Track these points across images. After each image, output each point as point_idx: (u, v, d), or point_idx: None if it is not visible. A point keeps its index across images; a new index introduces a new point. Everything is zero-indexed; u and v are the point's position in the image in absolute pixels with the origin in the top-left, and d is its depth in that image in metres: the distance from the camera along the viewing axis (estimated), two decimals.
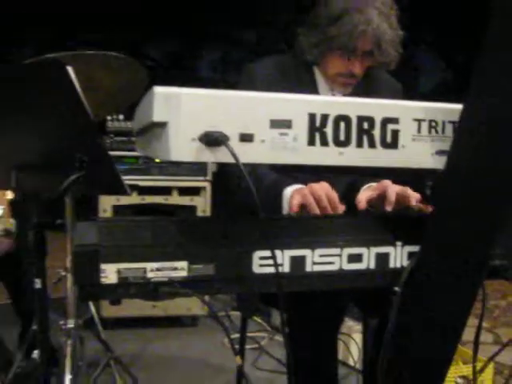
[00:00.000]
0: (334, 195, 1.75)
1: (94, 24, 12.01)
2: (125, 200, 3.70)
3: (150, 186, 3.73)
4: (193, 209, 3.76)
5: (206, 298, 3.77)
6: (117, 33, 11.91)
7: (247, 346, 2.99)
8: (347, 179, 2.07)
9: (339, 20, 2.01)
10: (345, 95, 2.19)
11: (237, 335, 3.12)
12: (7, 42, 12.71)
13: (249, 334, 3.18)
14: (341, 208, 1.75)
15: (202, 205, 3.77)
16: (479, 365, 2.29)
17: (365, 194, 1.87)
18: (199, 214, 3.74)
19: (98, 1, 11.28)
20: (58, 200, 1.88)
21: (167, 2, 11.43)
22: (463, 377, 2.75)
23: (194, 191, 3.78)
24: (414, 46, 12.07)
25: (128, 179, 3.60)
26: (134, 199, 3.71)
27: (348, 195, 1.96)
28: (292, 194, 1.80)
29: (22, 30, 12.58)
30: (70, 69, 1.53)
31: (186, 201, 3.77)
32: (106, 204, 3.70)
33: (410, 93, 2.23)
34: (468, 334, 3.11)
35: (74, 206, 2.14)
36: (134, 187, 3.71)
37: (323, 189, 1.74)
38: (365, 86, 2.19)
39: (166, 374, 3.17)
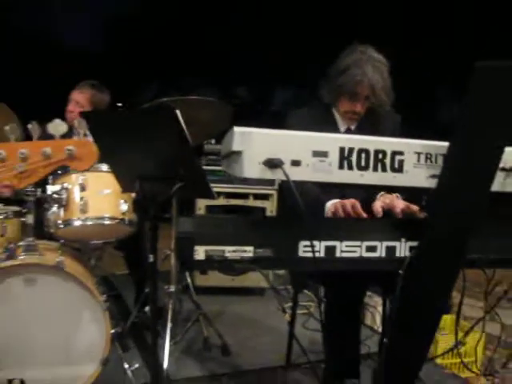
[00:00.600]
0: (358, 206, 1.92)
1: (195, 68, 12.25)
2: (215, 202, 3.92)
3: (234, 192, 3.93)
4: (263, 210, 3.93)
5: (271, 276, 3.96)
6: (212, 75, 12.18)
7: (299, 311, 3.11)
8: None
9: (344, 73, 2.19)
10: (356, 127, 2.34)
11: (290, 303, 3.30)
12: (137, 78, 13.12)
13: (301, 303, 3.34)
14: (363, 215, 1.92)
15: (270, 207, 3.94)
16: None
17: (379, 203, 2.00)
18: (268, 213, 3.91)
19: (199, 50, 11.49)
20: (166, 201, 2.10)
21: (251, 52, 11.53)
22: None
23: (265, 197, 3.95)
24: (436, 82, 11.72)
25: (218, 187, 3.84)
26: (221, 201, 3.92)
27: (368, 203, 2.09)
28: (329, 206, 1.99)
29: (149, 68, 12.96)
30: (177, 111, 1.74)
31: (258, 203, 3.94)
32: (201, 204, 3.93)
33: (429, 123, 2.32)
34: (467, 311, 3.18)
35: (178, 205, 2.35)
36: (222, 193, 3.93)
37: (350, 202, 1.92)
38: (370, 120, 2.32)
39: (239, 329, 3.33)
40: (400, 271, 1.69)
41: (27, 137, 1.53)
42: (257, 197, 3.95)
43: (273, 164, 1.52)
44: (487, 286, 1.95)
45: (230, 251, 1.62)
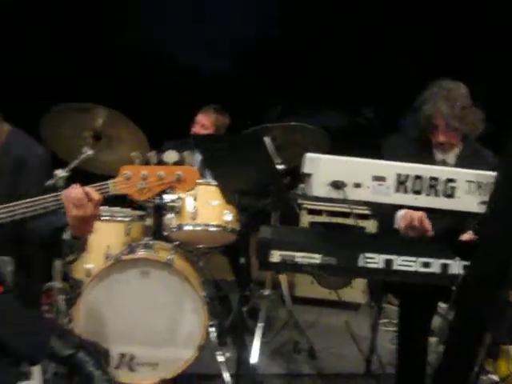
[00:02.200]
0: (425, 219, 2.12)
1: (321, 88, 12.53)
2: (317, 219, 4.23)
3: (336, 210, 4.21)
4: (363, 229, 4.15)
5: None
6: (339, 97, 12.45)
7: (389, 328, 3.30)
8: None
9: (419, 109, 2.39)
10: (456, 161, 2.48)
11: (386, 320, 3.51)
12: (262, 100, 13.74)
13: (393, 321, 3.51)
14: (429, 229, 2.12)
15: (371, 226, 4.15)
16: None
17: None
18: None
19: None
20: (258, 213, 2.45)
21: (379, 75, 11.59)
22: None
23: (366, 216, 4.17)
24: None
25: (320, 205, 4.16)
26: (324, 219, 4.22)
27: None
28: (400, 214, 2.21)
29: (275, 92, 13.52)
30: (266, 138, 2.10)
31: (359, 223, 4.18)
32: (305, 220, 4.25)
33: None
34: None
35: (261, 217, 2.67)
36: (325, 211, 4.23)
37: (418, 215, 2.12)
38: (469, 156, 2.47)
39: (328, 337, 3.60)
40: (453, 287, 1.91)
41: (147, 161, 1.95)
42: (358, 216, 4.18)
43: (337, 185, 1.82)
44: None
45: (300, 257, 1.94)
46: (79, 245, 1.85)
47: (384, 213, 2.27)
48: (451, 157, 2.50)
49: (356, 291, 4.10)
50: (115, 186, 1.75)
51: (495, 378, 3.10)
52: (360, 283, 4.08)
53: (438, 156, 2.49)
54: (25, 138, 2.13)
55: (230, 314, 3.46)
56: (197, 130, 3.73)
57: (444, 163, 2.44)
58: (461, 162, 2.40)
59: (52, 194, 1.77)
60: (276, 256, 1.95)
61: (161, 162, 1.83)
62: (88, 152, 2.97)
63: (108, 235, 3.11)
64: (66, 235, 1.79)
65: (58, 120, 3.01)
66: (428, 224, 2.14)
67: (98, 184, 1.76)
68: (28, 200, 1.75)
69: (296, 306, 3.66)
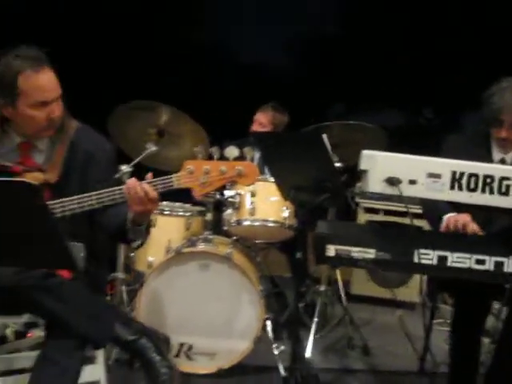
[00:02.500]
0: (468, 220, 2.15)
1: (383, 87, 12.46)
2: (375, 217, 4.26)
3: (392, 209, 4.22)
4: (420, 228, 4.14)
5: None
6: (399, 96, 12.33)
7: (445, 328, 3.30)
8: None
9: (487, 102, 2.35)
10: None
11: (441, 319, 3.51)
12: (322, 99, 13.75)
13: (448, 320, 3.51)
14: (475, 230, 2.15)
15: (426, 225, 4.11)
16: None
17: None
18: None
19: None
20: (315, 208, 2.51)
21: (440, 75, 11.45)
22: None
23: (421, 216, 4.15)
24: None
25: (377, 203, 4.20)
26: (380, 217, 4.25)
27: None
28: (446, 218, 2.24)
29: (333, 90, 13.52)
30: (324, 136, 2.17)
31: (415, 222, 4.14)
32: (362, 218, 4.29)
33: None
34: None
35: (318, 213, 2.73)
36: (381, 209, 4.26)
37: (463, 218, 2.16)
38: None
39: (383, 335, 3.64)
40: (507, 285, 1.93)
41: (209, 156, 2.06)
42: (414, 215, 4.16)
43: (392, 181, 1.88)
44: None
45: (356, 251, 2.01)
46: (142, 232, 1.97)
47: (432, 215, 2.30)
48: (510, 156, 2.48)
49: (412, 290, 4.09)
50: (179, 180, 1.86)
51: None
52: (416, 282, 4.07)
53: (497, 155, 2.47)
54: (93, 134, 2.26)
55: (286, 309, 3.54)
56: (255, 128, 3.84)
57: (503, 162, 2.43)
58: None
59: (119, 187, 1.89)
60: (332, 250, 2.01)
61: (222, 158, 1.92)
62: (152, 148, 3.13)
63: (169, 229, 3.25)
64: (128, 223, 1.92)
65: (124, 118, 3.18)
66: (473, 228, 2.16)
67: (162, 178, 1.88)
68: (96, 192, 1.88)
69: (351, 304, 3.71)
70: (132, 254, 3.37)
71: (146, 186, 1.84)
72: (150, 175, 1.92)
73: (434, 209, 2.33)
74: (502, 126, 2.33)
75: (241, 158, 1.99)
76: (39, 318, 2.10)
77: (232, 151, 1.88)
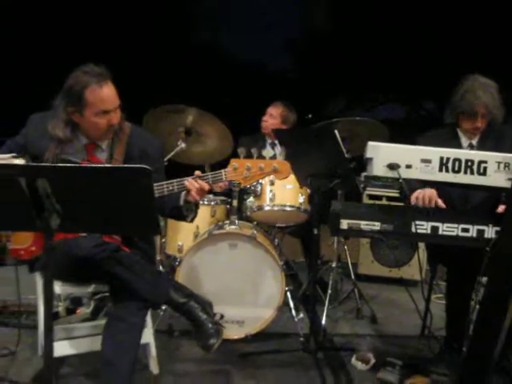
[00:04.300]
0: (434, 195, 2.69)
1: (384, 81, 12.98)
2: (378, 202, 4.77)
3: (394, 196, 4.73)
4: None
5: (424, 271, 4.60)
6: (400, 89, 12.86)
7: (442, 302, 3.80)
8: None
9: (462, 98, 2.92)
10: (478, 142, 3.03)
11: (440, 294, 4.03)
12: (322, 93, 14.31)
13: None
14: (439, 202, 2.69)
15: None
16: None
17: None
18: None
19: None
20: (329, 192, 3.02)
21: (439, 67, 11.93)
22: None
23: None
24: None
25: (381, 191, 4.72)
26: (383, 203, 4.75)
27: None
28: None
29: (336, 86, 14.07)
30: (335, 131, 2.68)
31: None
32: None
33: None
34: None
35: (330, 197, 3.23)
36: (384, 196, 4.78)
37: (427, 191, 2.70)
38: (492, 136, 3.00)
39: (388, 307, 4.17)
40: (487, 248, 2.45)
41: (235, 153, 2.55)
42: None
43: (392, 166, 2.40)
44: None
45: (364, 224, 2.53)
46: (193, 209, 2.50)
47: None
48: (475, 141, 3.05)
49: (413, 269, 4.62)
50: (226, 175, 2.38)
51: None
52: (417, 262, 4.58)
53: (465, 142, 3.06)
54: (144, 133, 2.80)
55: (301, 287, 4.07)
56: (266, 118, 4.39)
57: (471, 146, 3.03)
58: (484, 144, 2.97)
59: (176, 180, 2.41)
60: (345, 224, 2.54)
61: (260, 156, 2.44)
62: (182, 145, 3.65)
63: (197, 217, 3.77)
64: (182, 201, 2.45)
65: (156, 119, 3.70)
66: (437, 200, 2.71)
67: (213, 172, 2.40)
68: (176, 180, 2.39)
69: (359, 282, 4.23)
70: (163, 240, 3.90)
71: (202, 182, 2.36)
72: (197, 172, 2.43)
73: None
74: (476, 117, 2.91)
75: (274, 157, 2.51)
76: (105, 286, 2.60)
77: (268, 152, 2.40)
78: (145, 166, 1.55)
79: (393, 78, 12.61)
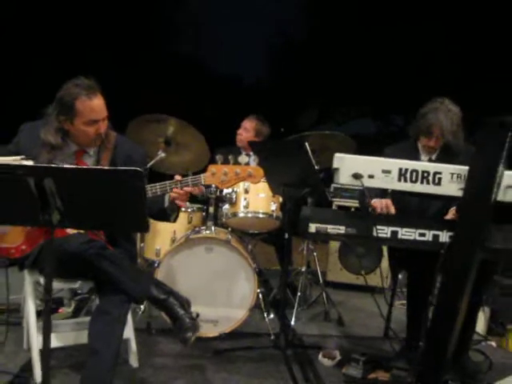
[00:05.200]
0: (389, 203, 3.01)
1: (353, 96, 13.38)
2: None
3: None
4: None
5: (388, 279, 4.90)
6: (369, 104, 13.27)
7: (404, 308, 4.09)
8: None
9: (423, 117, 3.22)
10: (436, 158, 3.33)
11: (403, 301, 4.31)
12: (295, 106, 14.67)
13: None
14: (392, 210, 3.01)
15: None
16: None
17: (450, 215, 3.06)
18: None
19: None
20: (300, 200, 3.30)
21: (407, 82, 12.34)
22: None
23: None
24: None
25: (349, 201, 5.02)
26: None
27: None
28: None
29: (309, 99, 14.45)
30: (306, 144, 2.95)
31: None
32: None
33: None
34: None
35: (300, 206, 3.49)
36: (353, 207, 5.08)
37: (384, 200, 3.01)
38: (448, 154, 3.25)
39: (355, 312, 4.46)
40: (442, 251, 2.75)
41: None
42: None
43: (356, 176, 2.69)
44: None
45: (330, 228, 2.81)
46: (176, 209, 2.76)
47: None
48: (434, 157, 3.36)
49: (379, 277, 4.90)
50: (205, 179, 2.64)
51: (493, 344, 3.90)
52: (384, 270, 4.88)
53: (424, 157, 3.37)
54: (128, 141, 3.05)
55: (271, 292, 4.34)
56: (240, 132, 4.68)
57: (430, 161, 3.33)
58: (442, 159, 3.20)
59: (158, 183, 2.66)
60: (313, 227, 2.81)
61: (236, 163, 2.70)
62: (161, 154, 3.90)
63: (174, 223, 4.02)
64: (167, 203, 2.71)
65: (138, 128, 3.94)
66: (392, 209, 3.03)
67: (193, 177, 2.65)
68: (159, 184, 2.62)
69: (327, 289, 4.52)
70: (142, 245, 4.13)
71: (187, 189, 2.62)
72: (178, 176, 2.68)
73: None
74: (431, 137, 3.24)
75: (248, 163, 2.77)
76: (91, 282, 2.83)
77: (243, 158, 2.66)
78: (138, 169, 1.80)
79: (365, 92, 13.02)
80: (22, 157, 2.46)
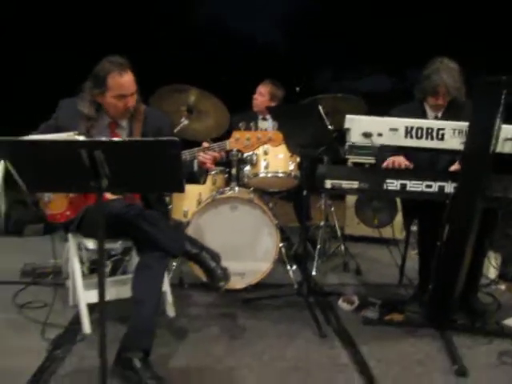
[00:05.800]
0: (402, 159, 3.31)
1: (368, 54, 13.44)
2: None
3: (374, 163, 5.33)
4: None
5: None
6: (384, 61, 13.32)
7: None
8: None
9: (427, 79, 3.45)
10: (442, 115, 3.56)
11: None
12: (310, 64, 14.78)
13: None
14: (407, 164, 3.30)
15: None
16: None
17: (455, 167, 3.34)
18: None
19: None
20: (316, 159, 3.58)
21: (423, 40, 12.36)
22: None
23: None
24: None
25: (363, 158, 5.30)
26: None
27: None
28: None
29: (323, 58, 14.56)
30: (320, 107, 3.23)
31: None
32: None
33: None
34: None
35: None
36: (368, 163, 5.35)
37: (397, 157, 3.30)
38: (453, 109, 3.50)
39: (372, 262, 4.74)
40: (447, 201, 3.04)
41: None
42: None
43: (366, 135, 2.98)
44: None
45: (345, 183, 3.11)
46: (204, 172, 3.06)
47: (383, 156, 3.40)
48: (439, 115, 3.59)
49: (395, 229, 5.21)
50: (230, 144, 2.94)
51: (503, 287, 4.19)
52: (398, 223, 5.16)
53: (430, 115, 3.60)
54: (156, 112, 3.36)
55: (292, 247, 4.68)
56: (256, 97, 4.94)
57: (436, 118, 3.57)
58: (447, 117, 3.47)
59: (187, 150, 2.95)
60: (329, 183, 3.12)
61: (257, 128, 2.98)
62: (184, 122, 4.20)
63: (200, 185, 4.35)
64: (196, 167, 3.01)
65: (162, 98, 4.23)
66: (405, 163, 3.33)
67: (219, 143, 2.95)
68: (188, 150, 2.91)
69: (345, 242, 4.84)
70: (170, 207, 4.47)
71: (212, 153, 2.92)
72: (205, 143, 2.98)
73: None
74: (438, 96, 3.46)
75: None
76: (132, 242, 3.17)
77: (264, 124, 2.95)
78: (174, 139, 2.10)
79: (379, 48, 13.08)
80: (76, 132, 2.78)
